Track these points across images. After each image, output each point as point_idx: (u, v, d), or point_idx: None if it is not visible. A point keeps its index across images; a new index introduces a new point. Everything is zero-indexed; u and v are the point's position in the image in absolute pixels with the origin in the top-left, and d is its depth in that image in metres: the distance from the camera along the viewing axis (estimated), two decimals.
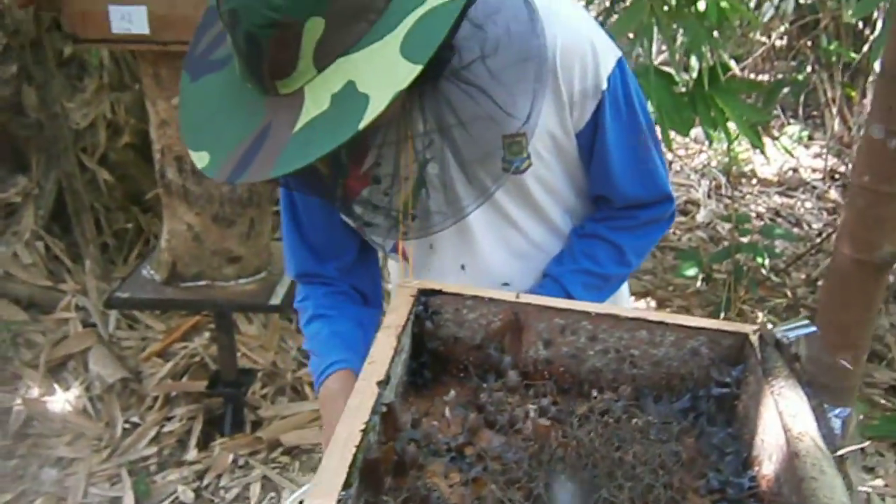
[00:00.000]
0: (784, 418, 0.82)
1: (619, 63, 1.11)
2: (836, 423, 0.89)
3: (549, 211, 1.20)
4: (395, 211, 1.11)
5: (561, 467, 0.84)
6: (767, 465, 0.85)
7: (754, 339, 0.96)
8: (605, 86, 1.09)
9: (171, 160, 2.39)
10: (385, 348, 0.89)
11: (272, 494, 2.44)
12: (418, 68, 0.83)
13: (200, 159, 0.91)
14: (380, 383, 0.83)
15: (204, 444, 2.71)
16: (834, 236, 3.60)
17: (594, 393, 1.00)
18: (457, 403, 1.01)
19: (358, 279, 1.28)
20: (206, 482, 2.55)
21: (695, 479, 0.90)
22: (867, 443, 1.81)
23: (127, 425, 2.89)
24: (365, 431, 0.75)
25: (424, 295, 1.02)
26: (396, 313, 0.96)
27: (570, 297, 1.15)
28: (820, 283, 3.43)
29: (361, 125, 0.82)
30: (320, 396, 1.15)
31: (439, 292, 1.02)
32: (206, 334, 3.18)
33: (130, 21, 2.10)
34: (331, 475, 0.69)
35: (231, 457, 2.62)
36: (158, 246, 2.63)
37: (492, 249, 1.19)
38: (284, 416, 2.82)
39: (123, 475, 2.57)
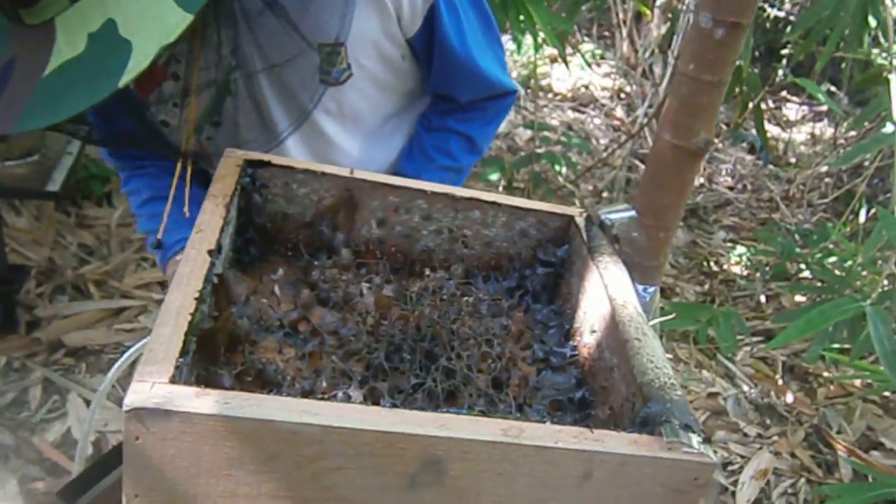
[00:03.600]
0: (609, 290, 0.87)
1: None
2: (645, 298, 0.96)
3: (370, 122, 1.17)
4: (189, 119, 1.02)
5: (400, 339, 0.84)
6: (588, 335, 0.91)
7: (580, 220, 1.01)
8: None
9: None
10: (214, 217, 0.82)
11: (55, 397, 2.26)
12: (189, 18, 0.74)
13: None
14: (210, 252, 0.77)
15: None
16: (618, 152, 3.88)
17: (427, 272, 1.00)
18: (286, 282, 0.97)
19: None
20: None
21: (522, 349, 0.94)
22: (672, 315, 2.01)
23: None
24: (199, 300, 0.70)
25: (251, 166, 0.96)
26: (223, 182, 0.89)
27: None
28: (605, 194, 3.70)
29: (122, 83, 0.72)
30: (169, 275, 1.07)
31: (268, 164, 0.96)
32: None
33: None
34: (165, 343, 0.63)
35: (4, 359, 2.38)
36: None
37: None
38: (66, 315, 2.60)
39: None
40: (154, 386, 0.59)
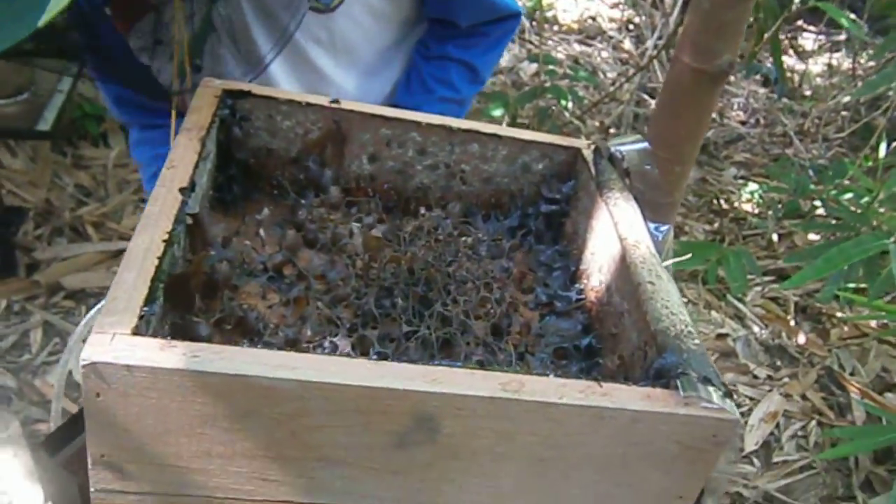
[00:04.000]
0: (619, 229, 0.80)
1: None
2: (657, 237, 0.89)
3: (365, 54, 1.08)
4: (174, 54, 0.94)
5: (392, 283, 0.78)
6: (597, 276, 0.84)
7: (588, 153, 0.93)
8: None
9: None
10: (187, 152, 0.75)
11: (56, 340, 2.23)
12: None
13: None
14: (183, 190, 0.70)
15: None
16: (626, 86, 3.75)
17: (422, 211, 0.94)
18: (272, 222, 0.91)
19: None
20: None
21: (524, 293, 0.88)
22: (687, 256, 1.94)
23: None
24: (168, 242, 0.63)
25: (230, 97, 0.88)
26: (199, 114, 0.82)
27: None
28: (612, 130, 3.59)
29: (42, 21, 0.63)
30: None
31: (248, 94, 0.88)
32: None
33: None
34: (128, 289, 0.57)
35: (4, 302, 2.35)
36: None
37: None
38: (65, 257, 2.55)
39: None
40: (115, 338, 0.53)
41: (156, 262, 0.61)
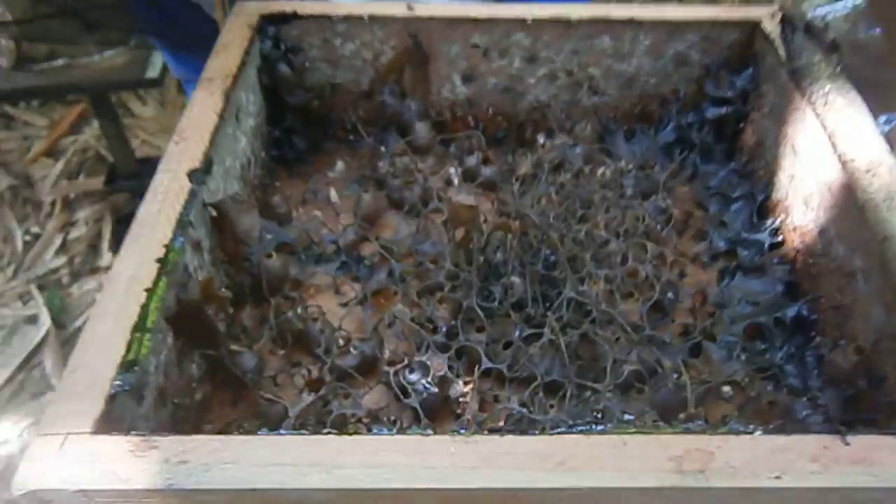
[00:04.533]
0: (836, 141, 0.52)
1: None
2: (884, 130, 0.61)
3: None
4: None
5: (501, 258, 0.56)
6: (801, 211, 0.58)
7: (771, 25, 0.64)
8: None
9: None
10: (203, 113, 0.55)
11: None
12: None
13: None
14: (193, 174, 0.50)
15: (117, 246, 2.42)
16: None
17: (540, 139, 0.69)
18: (348, 179, 0.70)
19: None
20: None
21: (692, 242, 0.63)
22: None
23: (27, 237, 2.57)
24: (164, 262, 0.44)
25: (270, 23, 0.67)
26: (224, 55, 0.61)
27: None
28: None
29: None
30: None
31: (294, 16, 0.67)
32: (96, 123, 2.76)
33: None
34: (96, 354, 0.39)
35: None
36: None
37: None
38: None
39: (34, 291, 2.31)
40: (67, 441, 0.36)
41: (142, 298, 0.42)
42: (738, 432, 0.35)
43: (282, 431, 0.36)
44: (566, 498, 0.34)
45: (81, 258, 2.59)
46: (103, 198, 2.63)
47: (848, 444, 0.35)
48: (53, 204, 2.69)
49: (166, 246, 0.45)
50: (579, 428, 0.37)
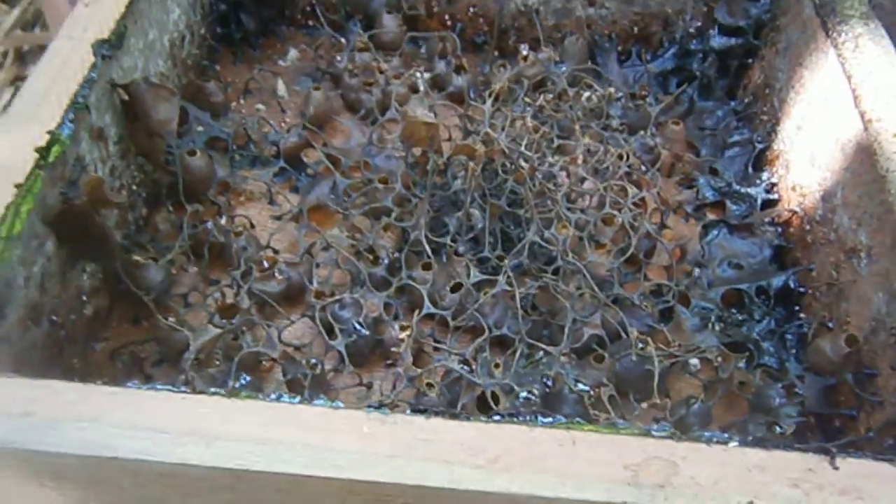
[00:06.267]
0: (861, 92, 0.45)
1: None
2: None
3: None
4: None
5: (460, 186, 0.48)
6: (804, 169, 0.51)
7: None
8: None
9: None
10: None
11: None
12: None
13: None
14: (99, 45, 0.41)
15: None
16: None
17: (523, 50, 0.61)
18: (298, 71, 0.62)
19: None
20: None
21: (678, 189, 0.56)
22: None
23: None
24: (44, 152, 0.36)
25: None
26: None
27: None
28: None
29: None
30: None
31: None
32: None
33: None
34: None
35: None
36: None
37: None
38: None
39: None
40: None
41: (9, 195, 0.34)
42: (709, 441, 0.29)
43: (157, 385, 0.29)
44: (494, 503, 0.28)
45: None
46: None
47: (836, 468, 0.29)
48: (5, 55, 2.52)
49: (51, 133, 0.37)
50: (522, 416, 0.30)
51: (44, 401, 0.28)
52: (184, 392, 0.29)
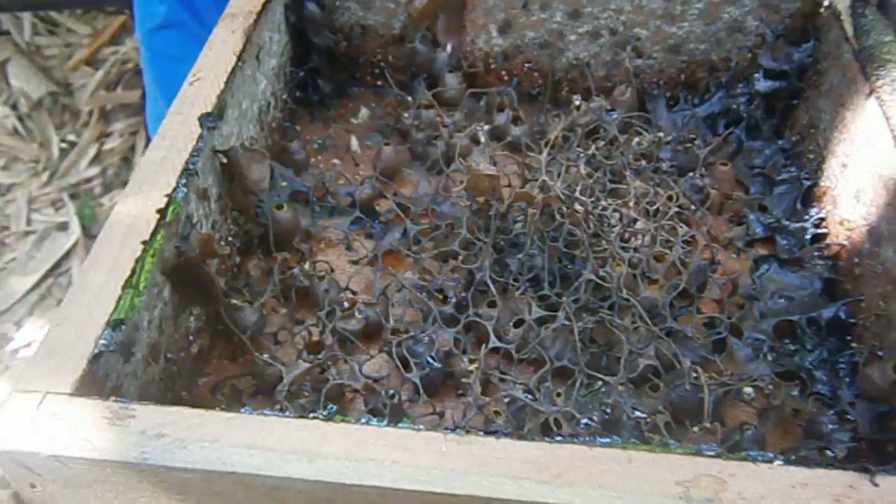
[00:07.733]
0: None
1: None
2: None
3: None
4: None
5: (520, 229, 0.53)
6: (851, 205, 0.54)
7: None
8: None
9: None
10: (222, 54, 0.52)
11: None
12: None
13: None
14: (204, 118, 0.48)
15: None
16: None
17: (576, 100, 0.65)
18: (370, 128, 0.67)
19: None
20: None
21: (728, 225, 0.59)
22: None
23: (63, 144, 2.58)
24: (164, 213, 0.42)
25: None
26: None
27: None
28: None
29: None
30: None
31: None
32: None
33: None
34: (84, 307, 0.37)
35: None
36: None
37: None
38: None
39: (66, 199, 2.33)
40: (45, 400, 0.34)
41: (137, 251, 0.40)
42: (755, 460, 0.33)
43: (266, 411, 0.34)
44: None
45: (114, 170, 2.59)
46: (139, 111, 2.62)
47: (877, 485, 0.32)
48: (91, 113, 2.68)
49: (168, 196, 0.43)
50: (583, 438, 0.34)
51: (174, 424, 0.33)
52: (289, 416, 0.34)
